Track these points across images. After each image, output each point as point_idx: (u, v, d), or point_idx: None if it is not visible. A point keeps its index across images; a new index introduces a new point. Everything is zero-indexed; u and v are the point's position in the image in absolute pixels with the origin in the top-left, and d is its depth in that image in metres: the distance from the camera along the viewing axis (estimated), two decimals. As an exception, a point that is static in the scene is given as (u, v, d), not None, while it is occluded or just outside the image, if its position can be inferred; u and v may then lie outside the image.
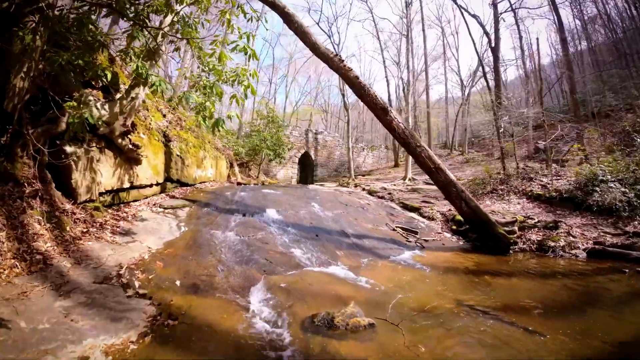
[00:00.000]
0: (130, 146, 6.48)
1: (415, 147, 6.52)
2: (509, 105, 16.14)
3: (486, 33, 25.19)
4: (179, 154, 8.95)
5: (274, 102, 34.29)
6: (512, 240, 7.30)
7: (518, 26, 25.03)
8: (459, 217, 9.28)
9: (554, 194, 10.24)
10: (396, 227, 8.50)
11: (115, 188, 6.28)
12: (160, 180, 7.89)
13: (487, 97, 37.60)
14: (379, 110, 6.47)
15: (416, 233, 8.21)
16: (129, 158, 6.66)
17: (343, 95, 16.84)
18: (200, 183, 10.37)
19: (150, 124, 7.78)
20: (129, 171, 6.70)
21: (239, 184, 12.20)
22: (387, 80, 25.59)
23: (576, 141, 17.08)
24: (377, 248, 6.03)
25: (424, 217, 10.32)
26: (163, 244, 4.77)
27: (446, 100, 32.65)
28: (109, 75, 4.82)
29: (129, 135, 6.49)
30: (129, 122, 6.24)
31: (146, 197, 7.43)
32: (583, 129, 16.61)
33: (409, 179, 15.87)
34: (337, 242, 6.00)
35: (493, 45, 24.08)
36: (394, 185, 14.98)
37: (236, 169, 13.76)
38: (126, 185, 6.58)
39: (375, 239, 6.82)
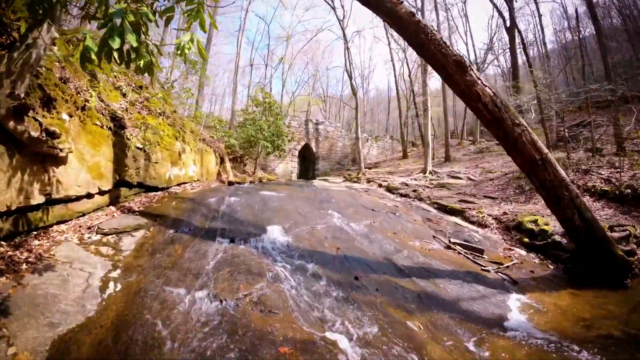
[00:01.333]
0: (37, 134, 3.73)
1: (512, 126, 3.85)
2: (541, 83, 13.53)
3: (499, 12, 22.54)
4: (140, 146, 6.19)
5: (270, 90, 31.32)
6: (632, 264, 4.78)
7: (537, 3, 22.36)
8: (528, 224, 6.75)
9: (627, 190, 7.68)
10: (452, 242, 5.91)
11: (15, 207, 3.55)
12: (107, 187, 5.16)
13: (497, 82, 35.08)
14: (451, 66, 3.78)
15: (481, 252, 5.63)
16: (38, 155, 3.91)
17: (350, 76, 14.13)
18: (178, 185, 7.65)
19: (88, 100, 4.99)
20: (42, 176, 3.95)
21: (230, 183, 9.48)
22: (393, 64, 22.84)
23: (609, 126, 14.70)
24: (463, 299, 3.41)
25: (471, 222, 7.75)
26: (47, 346, 2.09)
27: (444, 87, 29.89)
28: None
29: (33, 116, 3.75)
30: (21, 90, 3.47)
31: (83, 215, 4.71)
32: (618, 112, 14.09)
33: (430, 172, 13.30)
34: (393, 290, 3.36)
35: (508, 25, 21.48)
36: (415, 180, 12.39)
37: (228, 164, 11.03)
38: (38, 200, 3.85)
39: (443, 274, 4.20)
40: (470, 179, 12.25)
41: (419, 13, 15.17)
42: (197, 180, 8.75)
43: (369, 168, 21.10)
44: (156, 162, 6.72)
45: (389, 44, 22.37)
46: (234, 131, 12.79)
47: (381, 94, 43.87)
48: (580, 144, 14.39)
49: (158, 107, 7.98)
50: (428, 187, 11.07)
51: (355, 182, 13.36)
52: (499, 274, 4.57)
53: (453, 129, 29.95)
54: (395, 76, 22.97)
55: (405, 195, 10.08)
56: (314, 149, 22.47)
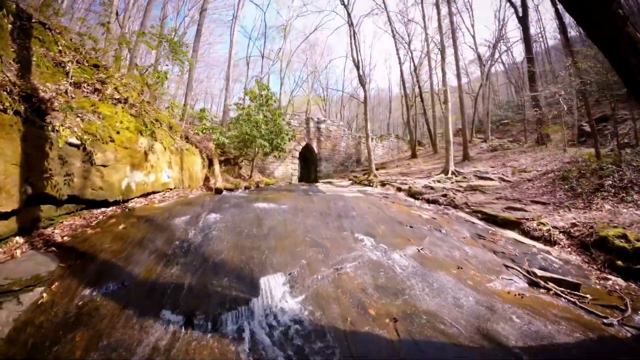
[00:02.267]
0: None
1: None
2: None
3: (511, 2, 20.68)
4: (76, 141, 4.13)
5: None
6: None
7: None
8: (615, 241, 4.78)
9: None
10: (536, 276, 3.88)
11: None
12: (8, 207, 3.10)
13: (499, 79, 33.16)
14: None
15: (577, 287, 3.64)
16: None
17: (357, 66, 12.13)
18: (143, 196, 5.57)
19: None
20: None
21: (218, 191, 7.40)
22: (399, 57, 20.89)
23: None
24: None
25: (534, 238, 5.76)
26: None
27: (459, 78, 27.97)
28: None
29: None
30: None
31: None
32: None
33: (452, 172, 11.29)
34: None
35: (521, 14, 19.60)
36: (438, 182, 10.36)
37: (217, 167, 8.96)
38: None
39: (569, 350, 2.22)
40: (504, 180, 10.24)
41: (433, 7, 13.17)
42: (174, 188, 6.67)
43: (377, 169, 19.07)
44: (104, 165, 4.65)
45: (394, 36, 20.39)
46: (226, 128, 10.70)
47: (381, 93, 42.04)
48: (608, 140, 12.50)
49: (120, 92, 5.91)
50: (458, 190, 9.04)
51: (366, 185, 11.33)
52: (624, 326, 2.56)
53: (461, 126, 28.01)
54: (400, 70, 21.01)
55: (434, 202, 8.04)
56: (316, 150, 20.44)
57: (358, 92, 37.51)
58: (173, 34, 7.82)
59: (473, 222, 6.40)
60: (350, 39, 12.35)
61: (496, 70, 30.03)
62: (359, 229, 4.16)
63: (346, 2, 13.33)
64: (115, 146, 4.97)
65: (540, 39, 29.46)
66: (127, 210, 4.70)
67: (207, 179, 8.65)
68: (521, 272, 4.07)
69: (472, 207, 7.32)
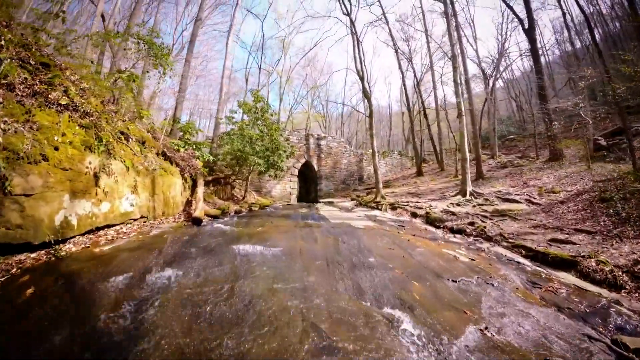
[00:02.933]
0: None
1: None
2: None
3: (516, 15, 20.08)
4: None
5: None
6: None
7: (560, 3, 19.93)
8: None
9: None
10: (627, 347, 2.46)
11: None
12: None
13: (500, 94, 32.47)
14: None
15: None
16: None
17: (362, 77, 11.02)
18: (91, 232, 4.18)
19: None
20: None
21: (196, 221, 5.96)
22: (401, 71, 20.02)
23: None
24: None
25: (594, 282, 4.39)
26: None
27: (469, 91, 27.08)
28: None
29: None
30: None
31: None
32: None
33: (471, 194, 9.94)
34: None
35: (527, 26, 18.91)
36: (457, 204, 8.98)
37: (200, 191, 7.58)
38: None
39: None
40: (532, 202, 8.88)
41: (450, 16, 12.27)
42: (140, 217, 5.28)
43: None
44: (27, 194, 3.29)
45: (396, 50, 19.58)
46: (215, 144, 9.40)
47: (380, 110, 41.36)
48: (627, 154, 11.32)
49: (71, 96, 4.63)
50: (484, 216, 7.65)
51: (374, 208, 9.94)
52: None
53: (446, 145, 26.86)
54: (403, 83, 20.06)
55: (461, 232, 6.63)
56: (316, 167, 19.18)
57: (360, 107, 36.78)
58: (152, 34, 6.61)
59: (518, 263, 4.98)
60: (354, 49, 11.33)
61: (495, 86, 29.27)
62: (385, 293, 2.75)
63: (349, 11, 12.40)
64: (49, 167, 3.63)
65: (541, 54, 28.87)
66: (54, 258, 3.30)
67: (189, 203, 7.27)
68: (608, 346, 2.65)
69: (509, 240, 5.92)
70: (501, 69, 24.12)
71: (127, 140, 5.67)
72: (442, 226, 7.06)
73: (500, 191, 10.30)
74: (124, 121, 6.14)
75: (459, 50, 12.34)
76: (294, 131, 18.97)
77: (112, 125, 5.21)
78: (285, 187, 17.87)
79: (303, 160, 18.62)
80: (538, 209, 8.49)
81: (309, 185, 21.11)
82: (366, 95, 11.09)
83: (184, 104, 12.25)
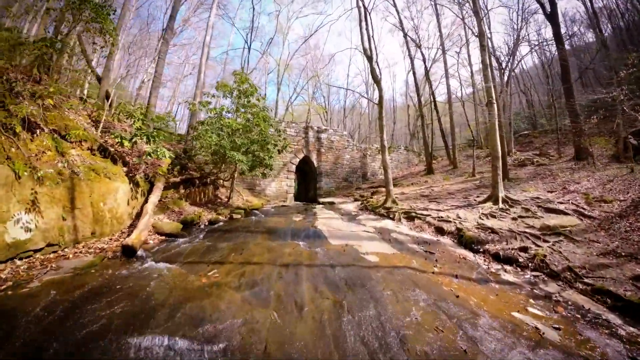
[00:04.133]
0: None
1: None
2: None
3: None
4: None
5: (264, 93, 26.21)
6: None
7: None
8: None
9: None
10: None
11: None
12: None
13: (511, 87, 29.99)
14: None
15: None
16: None
17: (370, 58, 8.98)
18: None
19: None
20: None
21: (128, 250, 4.00)
22: (411, 58, 17.88)
23: None
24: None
25: None
26: None
27: (492, 76, 25.05)
28: None
29: None
30: None
31: None
32: None
33: (504, 200, 7.98)
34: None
35: (549, 11, 16.70)
36: (492, 216, 7.02)
37: (153, 201, 5.60)
38: None
39: None
40: (584, 215, 6.89)
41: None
42: (47, 246, 3.39)
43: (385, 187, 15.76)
44: None
45: (405, 35, 17.41)
46: (190, 137, 7.43)
47: (383, 103, 39.06)
48: None
49: None
50: (532, 235, 5.69)
51: (384, 216, 8.00)
52: None
53: (474, 137, 24.85)
54: (412, 70, 17.89)
55: (510, 261, 4.70)
56: (316, 163, 17.22)
57: (363, 99, 34.64)
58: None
59: (608, 323, 3.07)
60: (361, 24, 9.26)
61: (510, 77, 26.99)
62: None
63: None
64: None
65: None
66: None
67: (137, 217, 5.34)
68: None
69: (584, 280, 4.01)
70: (517, 59, 21.89)
71: (34, 132, 3.73)
72: (481, 250, 5.13)
73: (538, 198, 8.31)
74: (41, 104, 4.19)
75: (486, 27, 10.24)
76: (292, 123, 16.96)
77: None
78: (281, 185, 15.95)
79: (301, 155, 16.68)
80: (594, 224, 6.51)
81: (308, 182, 19.19)
82: (375, 78, 9.08)
83: (161, 90, 10.24)
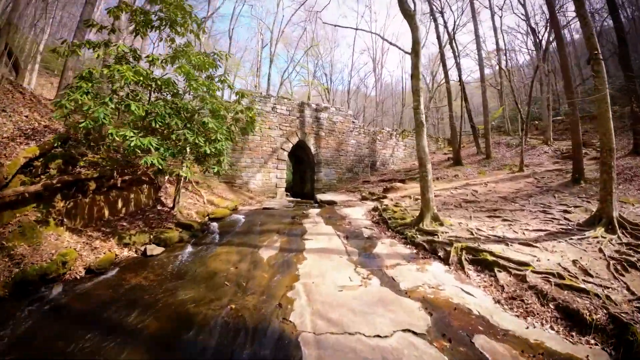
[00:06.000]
0: None
1: None
2: None
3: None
4: None
5: (257, 75, 22.24)
6: None
7: None
8: None
9: None
10: None
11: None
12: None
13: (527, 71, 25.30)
14: None
15: None
16: None
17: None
18: None
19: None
20: None
21: None
22: (434, 17, 13.80)
23: None
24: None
25: None
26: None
27: (499, 63, 20.83)
28: None
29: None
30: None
31: None
32: None
33: (619, 221, 4.41)
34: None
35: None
36: (604, 255, 3.48)
37: None
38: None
39: None
40: None
41: None
42: None
43: (401, 181, 12.15)
44: None
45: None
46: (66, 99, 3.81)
47: (388, 89, 34.87)
48: None
49: None
50: None
51: (423, 248, 4.36)
52: None
53: (503, 121, 20.98)
54: (437, 34, 13.83)
55: None
56: (313, 149, 13.52)
57: (368, 83, 30.62)
58: None
59: None
60: None
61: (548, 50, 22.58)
62: None
63: None
64: None
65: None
66: None
67: None
68: None
69: None
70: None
71: None
72: None
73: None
74: None
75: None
76: (284, 99, 13.13)
77: None
78: (268, 177, 12.36)
79: (295, 140, 13.00)
80: None
81: (304, 173, 15.59)
82: (405, 12, 5.28)
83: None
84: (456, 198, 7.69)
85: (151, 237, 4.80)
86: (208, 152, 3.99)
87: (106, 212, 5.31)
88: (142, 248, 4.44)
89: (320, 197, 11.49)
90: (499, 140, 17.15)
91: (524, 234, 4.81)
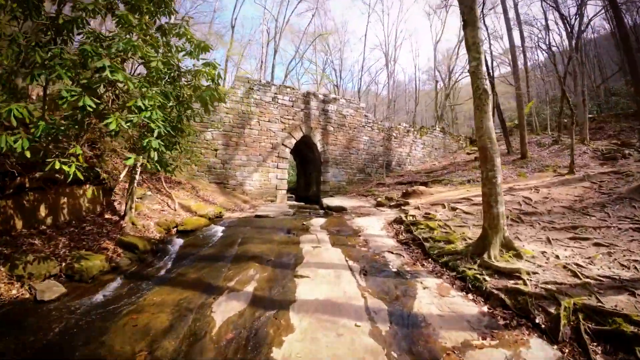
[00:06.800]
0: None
1: None
2: None
3: None
4: None
5: (269, 73, 20.70)
6: None
7: None
8: None
9: None
10: None
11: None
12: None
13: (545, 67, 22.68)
14: None
15: None
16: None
17: None
18: None
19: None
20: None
21: None
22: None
23: None
24: None
25: None
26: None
27: (525, 57, 18.53)
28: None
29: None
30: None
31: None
32: None
33: None
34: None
35: None
36: None
37: None
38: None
39: None
40: None
41: None
42: None
43: (423, 184, 10.24)
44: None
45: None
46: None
47: (401, 86, 32.83)
48: None
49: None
50: None
51: (496, 299, 2.53)
52: None
53: (532, 119, 18.71)
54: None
55: None
56: (320, 146, 11.74)
57: (379, 80, 28.88)
58: None
59: None
60: None
61: (581, 40, 20.16)
62: None
63: None
64: None
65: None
66: None
67: None
68: None
69: None
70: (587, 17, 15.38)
71: None
72: None
73: None
74: None
75: None
76: (285, 87, 11.39)
77: None
78: (267, 177, 10.62)
79: (299, 135, 11.26)
80: None
81: (309, 172, 13.82)
82: None
83: None
84: (507, 207, 5.78)
85: (62, 265, 3.11)
86: (113, 126, 2.26)
87: (18, 224, 3.67)
88: (40, 285, 2.75)
89: (327, 201, 9.69)
90: (529, 140, 15.03)
91: (636, 268, 2.95)
